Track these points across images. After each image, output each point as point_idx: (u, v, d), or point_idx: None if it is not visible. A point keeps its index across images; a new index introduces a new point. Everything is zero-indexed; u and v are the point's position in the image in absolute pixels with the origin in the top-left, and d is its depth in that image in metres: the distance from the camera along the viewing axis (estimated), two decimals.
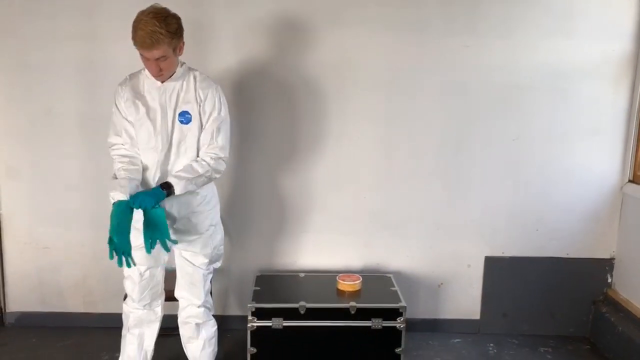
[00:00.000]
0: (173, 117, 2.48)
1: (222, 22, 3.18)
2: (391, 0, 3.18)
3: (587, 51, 3.24)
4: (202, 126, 2.50)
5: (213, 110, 2.50)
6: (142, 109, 2.47)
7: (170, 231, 2.55)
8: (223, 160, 2.54)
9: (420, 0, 3.18)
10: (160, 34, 2.27)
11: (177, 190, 2.42)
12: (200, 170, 2.47)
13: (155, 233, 2.38)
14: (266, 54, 3.22)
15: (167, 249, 2.42)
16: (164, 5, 2.40)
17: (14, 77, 3.23)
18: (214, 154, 2.50)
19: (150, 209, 2.35)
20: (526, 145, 3.34)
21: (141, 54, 2.36)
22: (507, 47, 3.24)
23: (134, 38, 2.31)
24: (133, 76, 2.55)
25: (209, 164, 2.48)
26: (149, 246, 2.39)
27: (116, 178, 2.45)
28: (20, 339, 3.35)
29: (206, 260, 2.66)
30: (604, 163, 3.37)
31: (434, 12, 3.20)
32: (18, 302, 3.48)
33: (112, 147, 2.54)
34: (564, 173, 3.38)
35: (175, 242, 2.46)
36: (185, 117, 2.48)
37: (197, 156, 2.52)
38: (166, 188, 2.41)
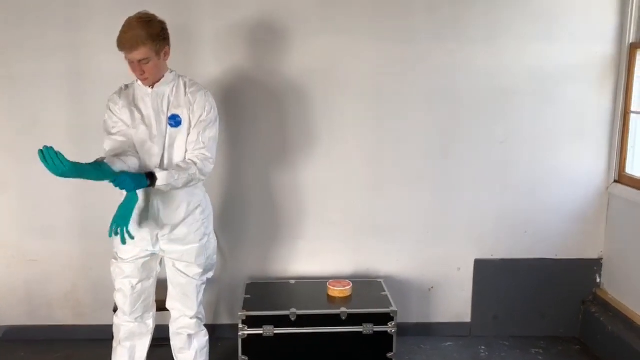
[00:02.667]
0: (166, 122, 2.49)
1: (209, 30, 3.18)
2: (377, 7, 3.20)
3: (571, 54, 3.28)
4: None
5: (202, 112, 2.50)
6: (138, 116, 2.49)
7: (163, 241, 2.55)
8: (209, 161, 2.51)
9: (407, 7, 3.21)
10: (139, 37, 2.31)
11: (159, 179, 2.36)
12: (184, 166, 2.44)
13: (119, 220, 2.34)
14: (254, 61, 3.22)
15: (124, 241, 2.36)
16: (151, 11, 2.43)
17: (0, 88, 3.21)
18: (201, 154, 2.48)
19: (128, 192, 2.33)
20: (513, 147, 3.37)
21: (125, 57, 2.38)
22: (492, 52, 3.27)
23: (117, 40, 2.35)
24: (127, 86, 2.57)
25: (195, 163, 2.46)
26: (111, 231, 2.34)
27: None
28: (9, 353, 3.31)
29: (200, 270, 2.65)
30: (589, 164, 3.41)
31: (420, 18, 3.22)
32: (5, 315, 3.44)
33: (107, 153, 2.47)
34: (550, 175, 3.41)
35: (132, 237, 2.39)
36: (175, 121, 2.49)
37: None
38: (150, 178, 2.37)
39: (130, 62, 2.40)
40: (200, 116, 2.49)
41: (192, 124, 2.50)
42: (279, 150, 3.33)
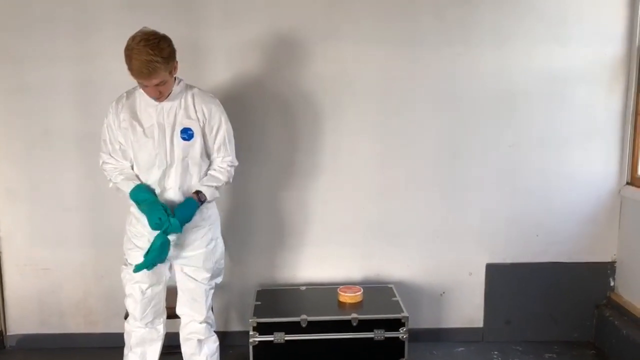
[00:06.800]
0: (172, 135, 2.49)
1: (217, 40, 3.20)
2: (385, 14, 3.21)
3: (580, 56, 3.26)
4: (205, 141, 2.55)
5: (220, 124, 2.57)
6: (139, 129, 2.49)
7: (172, 246, 2.56)
8: (234, 168, 2.66)
9: (414, 12, 3.21)
10: (156, 63, 2.27)
11: (208, 196, 2.52)
12: (223, 178, 2.59)
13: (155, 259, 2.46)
14: (262, 70, 3.24)
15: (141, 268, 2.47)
16: (161, 26, 2.40)
17: (10, 98, 3.24)
18: (229, 161, 2.62)
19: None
20: (523, 151, 3.35)
21: (138, 81, 2.38)
22: (501, 55, 3.25)
23: (130, 68, 2.30)
24: (129, 94, 2.55)
25: (228, 171, 2.61)
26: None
27: (114, 183, 2.57)
28: None
29: (208, 275, 2.66)
30: (601, 166, 3.37)
31: (427, 23, 3.22)
32: (19, 324, 3.46)
33: (104, 162, 2.60)
34: (561, 177, 3.38)
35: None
36: (187, 134, 2.51)
37: (204, 169, 2.58)
38: (196, 197, 2.50)
39: (145, 87, 2.38)
40: (219, 127, 2.57)
41: (208, 136, 2.55)
42: (287, 157, 3.33)
